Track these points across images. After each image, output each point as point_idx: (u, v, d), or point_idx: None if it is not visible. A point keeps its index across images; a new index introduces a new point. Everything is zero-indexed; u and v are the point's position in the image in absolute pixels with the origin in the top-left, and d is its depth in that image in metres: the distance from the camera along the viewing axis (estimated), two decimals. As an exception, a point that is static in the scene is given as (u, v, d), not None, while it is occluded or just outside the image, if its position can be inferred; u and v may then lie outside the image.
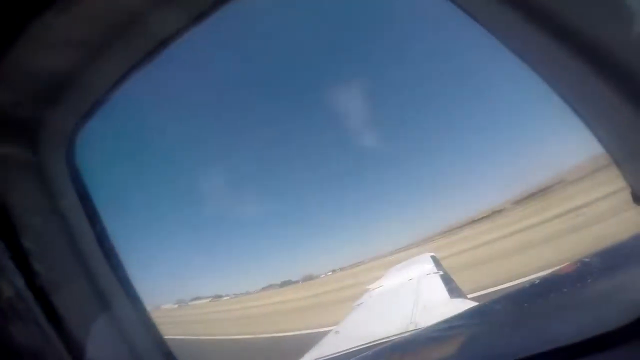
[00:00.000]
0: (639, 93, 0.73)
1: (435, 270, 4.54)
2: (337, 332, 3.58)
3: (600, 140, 0.86)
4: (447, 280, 3.93)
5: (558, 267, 1.86)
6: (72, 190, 1.52)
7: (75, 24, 1.16)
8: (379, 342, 2.64)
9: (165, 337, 1.67)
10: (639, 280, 1.13)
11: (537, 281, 1.83)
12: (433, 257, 5.74)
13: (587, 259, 1.67)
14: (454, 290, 3.49)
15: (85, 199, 1.55)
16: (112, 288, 1.52)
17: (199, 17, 1.27)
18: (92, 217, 1.55)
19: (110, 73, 1.39)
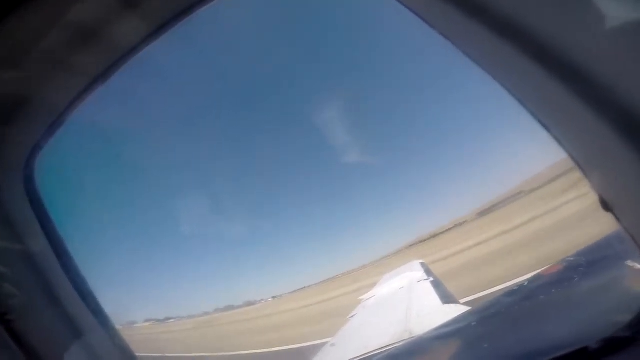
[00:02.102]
0: (601, 98, 0.74)
1: (426, 277, 4.58)
2: (333, 344, 3.54)
3: (565, 148, 0.86)
4: (438, 286, 3.97)
5: (544, 268, 1.92)
6: (31, 211, 1.46)
7: (32, 36, 1.10)
8: (376, 352, 2.63)
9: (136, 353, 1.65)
10: (620, 280, 1.18)
11: (525, 283, 1.88)
12: (422, 264, 5.79)
13: (571, 258, 1.74)
14: (445, 295, 3.52)
15: (44, 220, 1.50)
16: (75, 307, 1.49)
17: (163, 27, 1.22)
18: (53, 238, 1.51)
19: (71, 88, 1.31)
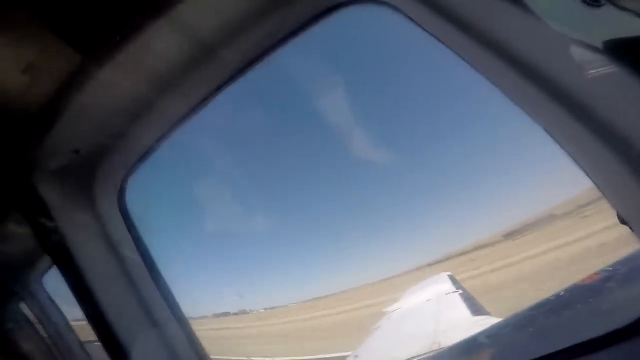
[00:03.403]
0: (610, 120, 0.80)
1: (454, 289, 4.46)
2: (356, 356, 3.51)
3: (584, 169, 0.92)
4: (468, 298, 3.86)
5: (581, 278, 1.85)
6: (123, 226, 1.74)
7: (126, 83, 1.36)
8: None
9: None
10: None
11: (561, 293, 1.82)
12: (450, 276, 5.62)
13: (609, 268, 1.68)
14: (476, 307, 3.42)
15: (134, 234, 1.76)
16: (158, 308, 1.72)
17: (238, 73, 1.41)
18: (142, 249, 1.76)
19: (158, 126, 1.56)
